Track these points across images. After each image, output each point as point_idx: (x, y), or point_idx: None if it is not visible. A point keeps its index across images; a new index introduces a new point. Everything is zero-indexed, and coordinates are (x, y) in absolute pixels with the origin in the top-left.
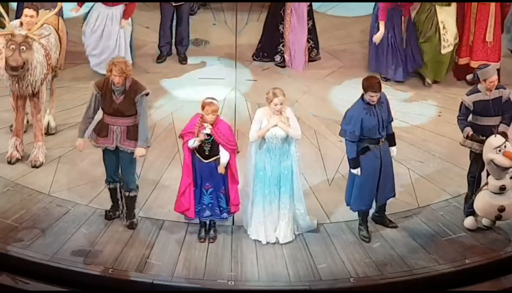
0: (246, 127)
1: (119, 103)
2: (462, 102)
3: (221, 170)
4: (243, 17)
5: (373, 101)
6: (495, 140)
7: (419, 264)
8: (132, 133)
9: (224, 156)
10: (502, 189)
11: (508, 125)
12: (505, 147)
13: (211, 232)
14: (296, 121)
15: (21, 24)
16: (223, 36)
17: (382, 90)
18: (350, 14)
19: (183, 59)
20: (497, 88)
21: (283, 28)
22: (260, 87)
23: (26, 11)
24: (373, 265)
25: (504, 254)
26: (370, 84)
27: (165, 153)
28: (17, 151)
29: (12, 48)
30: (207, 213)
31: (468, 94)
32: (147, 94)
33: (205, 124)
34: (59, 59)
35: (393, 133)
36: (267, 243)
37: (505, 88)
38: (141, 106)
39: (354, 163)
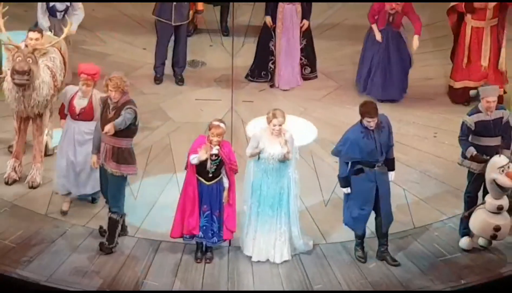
0: (243, 149)
1: (109, 119)
2: (463, 122)
3: (225, 195)
4: (240, 39)
5: (370, 126)
6: (499, 160)
7: (415, 285)
8: (116, 155)
9: (225, 182)
10: (500, 209)
11: (508, 148)
12: (508, 167)
13: (208, 252)
14: (293, 146)
15: (26, 46)
16: (220, 58)
17: (380, 112)
18: (346, 35)
19: (179, 81)
20: (498, 109)
21: (273, 46)
22: (257, 108)
23: (31, 34)
24: (369, 285)
25: (500, 275)
26: (366, 110)
27: (162, 174)
28: (15, 172)
29: (19, 59)
30: (200, 234)
31: (469, 114)
32: (134, 112)
33: (212, 145)
34: (63, 80)
35: (393, 159)
36: (261, 261)
37: (505, 109)
38: (123, 114)
39: (344, 181)
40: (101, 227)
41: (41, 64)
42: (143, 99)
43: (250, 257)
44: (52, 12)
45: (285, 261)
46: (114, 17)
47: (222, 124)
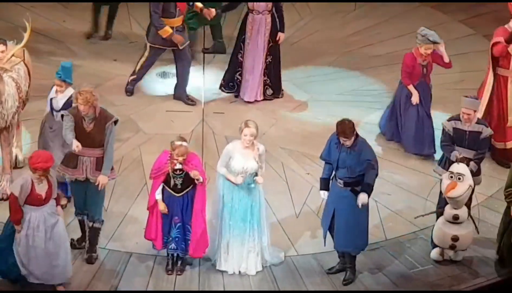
0: (214, 160)
1: (89, 131)
2: (443, 128)
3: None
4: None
5: (346, 145)
6: (456, 166)
7: None
8: (100, 165)
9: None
10: (455, 219)
11: (478, 164)
12: (458, 179)
13: (179, 264)
14: (264, 157)
15: None
16: (191, 69)
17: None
18: (318, 46)
19: (190, 100)
20: (479, 123)
21: (241, 57)
22: (228, 120)
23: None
24: None
25: (472, 286)
26: (342, 130)
27: (133, 186)
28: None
29: None
30: (173, 246)
31: (448, 120)
32: (115, 122)
33: (175, 161)
34: (28, 91)
35: (369, 184)
36: (234, 273)
37: (487, 126)
38: (110, 133)
39: (320, 183)
40: (72, 240)
41: (5, 76)
42: (114, 111)
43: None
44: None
45: (257, 272)
46: (84, 28)
47: (184, 143)
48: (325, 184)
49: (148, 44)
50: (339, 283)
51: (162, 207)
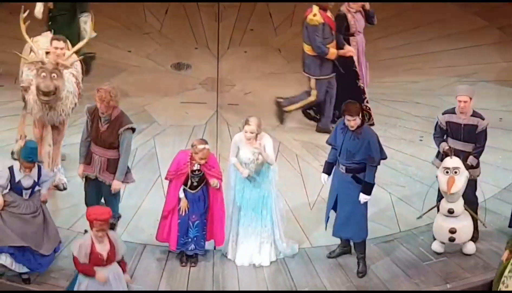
0: (228, 152)
1: (102, 132)
2: (436, 121)
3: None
4: (225, 41)
5: (351, 126)
6: (449, 161)
7: (401, 288)
8: (112, 167)
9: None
10: (450, 212)
11: (477, 158)
12: (455, 172)
13: (193, 256)
14: (271, 148)
15: (47, 53)
16: (205, 60)
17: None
18: None
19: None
20: (475, 116)
21: (362, 82)
22: (242, 111)
23: (55, 43)
24: (354, 289)
25: (485, 279)
26: (346, 108)
27: (147, 177)
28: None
29: (43, 75)
30: (192, 246)
31: (443, 113)
32: (133, 130)
33: (194, 162)
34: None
35: (368, 183)
36: (245, 265)
37: (483, 119)
38: (124, 140)
39: (324, 166)
40: (85, 231)
41: (65, 72)
42: (128, 102)
43: (234, 261)
44: (16, 189)
45: (271, 263)
46: (99, 19)
47: (207, 146)
48: (327, 168)
49: (313, 79)
50: (352, 275)
51: (185, 204)
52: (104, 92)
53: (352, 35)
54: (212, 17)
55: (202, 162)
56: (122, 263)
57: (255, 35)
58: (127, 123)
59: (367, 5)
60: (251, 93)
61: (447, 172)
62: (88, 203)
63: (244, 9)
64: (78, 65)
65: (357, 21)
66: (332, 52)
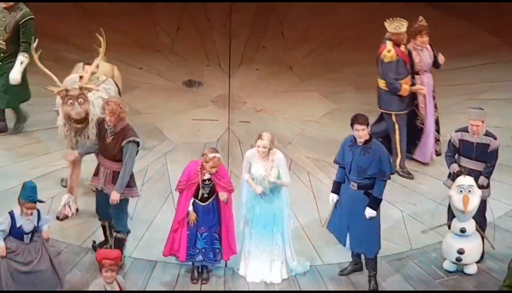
0: (239, 170)
1: (108, 143)
2: (449, 139)
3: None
4: (237, 58)
5: (359, 136)
6: (462, 179)
7: None
8: (117, 179)
9: (222, 195)
10: (463, 232)
11: (488, 178)
12: (469, 191)
13: (204, 273)
14: (285, 166)
15: (81, 77)
16: (217, 78)
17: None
18: (345, 55)
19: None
20: (487, 135)
21: (420, 123)
22: (254, 128)
23: (87, 67)
24: None
25: None
26: (355, 117)
27: (158, 194)
28: (69, 208)
29: (70, 103)
30: (200, 257)
31: (456, 131)
32: (137, 144)
33: (205, 171)
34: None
35: (376, 198)
36: (256, 282)
37: (495, 139)
38: (127, 153)
39: (332, 186)
40: (94, 242)
41: (94, 97)
42: (140, 119)
43: (246, 277)
44: (17, 235)
45: (283, 280)
46: (110, 36)
47: (218, 155)
48: (336, 187)
49: (394, 114)
50: None
51: (193, 216)
52: (114, 105)
53: (417, 73)
54: (224, 34)
55: (213, 170)
56: None
57: (267, 53)
58: (131, 136)
59: (441, 58)
60: (262, 111)
61: (461, 191)
62: (98, 212)
63: (256, 27)
64: (111, 90)
65: (422, 60)
66: (405, 88)
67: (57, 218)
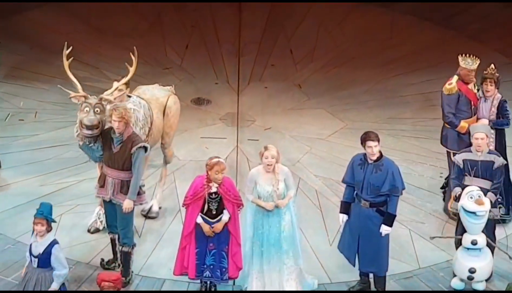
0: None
1: (115, 153)
2: (453, 162)
3: (219, 226)
4: (246, 76)
5: (371, 153)
6: (470, 187)
7: None
8: (126, 188)
9: (225, 214)
10: (474, 244)
11: (495, 193)
12: (479, 196)
13: (212, 290)
14: (292, 179)
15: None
16: (225, 95)
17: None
18: (353, 73)
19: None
20: (491, 153)
21: None
22: (262, 147)
23: (115, 84)
24: None
25: None
26: (366, 135)
27: (167, 212)
28: (100, 221)
29: (86, 110)
30: (207, 273)
31: (459, 153)
32: (145, 149)
33: (211, 184)
34: (152, 137)
35: (391, 215)
36: None
37: (499, 156)
38: (137, 159)
39: (341, 206)
40: (102, 260)
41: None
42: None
43: None
44: (30, 256)
45: None
46: (119, 53)
47: (220, 159)
48: (345, 208)
49: (452, 153)
50: None
51: (206, 228)
52: (123, 110)
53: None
54: (233, 52)
55: (220, 177)
56: None
57: (276, 71)
58: (139, 142)
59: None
60: (271, 128)
61: (471, 197)
62: (108, 224)
63: (264, 45)
64: (139, 113)
65: (483, 108)
66: (462, 126)
67: (88, 231)
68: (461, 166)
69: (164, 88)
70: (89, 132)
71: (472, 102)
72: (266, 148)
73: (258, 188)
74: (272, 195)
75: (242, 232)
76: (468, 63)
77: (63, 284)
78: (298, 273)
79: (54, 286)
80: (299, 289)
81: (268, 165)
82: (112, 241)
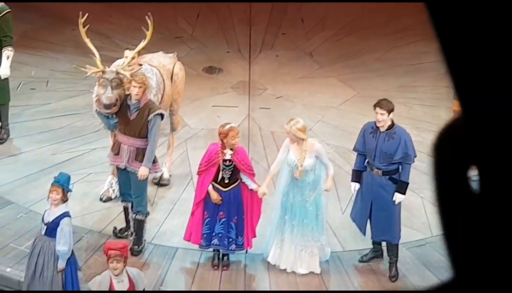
0: (260, 156)
1: (132, 120)
2: None
3: (261, 192)
4: (257, 45)
5: (378, 120)
6: None
7: None
8: (141, 155)
9: (251, 183)
10: None
11: None
12: None
13: (225, 259)
14: (324, 157)
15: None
16: (237, 64)
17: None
18: (364, 41)
19: None
20: None
21: None
22: (274, 115)
23: (126, 52)
24: None
25: None
26: (378, 102)
27: (179, 180)
28: (112, 190)
29: (103, 85)
30: (215, 241)
31: None
32: (162, 117)
33: (225, 151)
34: (164, 103)
35: (404, 182)
36: (286, 270)
37: None
38: (154, 126)
39: (352, 175)
40: (115, 228)
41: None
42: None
43: (267, 264)
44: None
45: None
46: (130, 22)
47: (233, 125)
48: (356, 176)
49: None
50: (385, 280)
51: (215, 196)
52: (143, 76)
53: None
54: (244, 21)
55: (236, 141)
56: None
57: (287, 39)
58: (156, 109)
59: None
60: (282, 97)
61: None
62: (121, 192)
63: (275, 14)
64: (152, 79)
65: None
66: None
67: (100, 199)
68: None
69: (168, 55)
70: (108, 111)
71: None
72: (289, 121)
73: (289, 155)
74: (296, 167)
75: (273, 199)
76: None
77: (73, 260)
78: (318, 248)
79: (61, 263)
80: (312, 264)
81: (290, 138)
82: (125, 210)
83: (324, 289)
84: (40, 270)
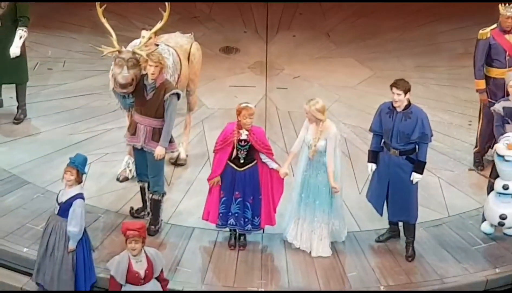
0: (277, 136)
1: (148, 100)
2: (495, 110)
3: (283, 172)
4: (274, 25)
5: (395, 100)
6: (509, 134)
7: (449, 273)
8: (158, 135)
9: (272, 163)
10: (505, 189)
11: None
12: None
13: (241, 239)
14: (331, 146)
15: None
16: (254, 44)
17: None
18: (381, 22)
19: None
20: None
21: None
22: (291, 95)
23: (143, 32)
24: (403, 273)
25: None
26: (394, 82)
27: (196, 160)
28: (129, 170)
29: (120, 65)
30: (232, 221)
31: (497, 102)
32: (178, 96)
33: (241, 131)
34: (181, 84)
35: (421, 162)
36: (301, 248)
37: None
38: (170, 106)
39: (369, 156)
40: (131, 208)
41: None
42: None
43: (284, 244)
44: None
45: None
46: (147, 3)
47: (250, 105)
48: (373, 157)
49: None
50: (401, 259)
51: (216, 179)
52: (160, 55)
53: None
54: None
55: (248, 121)
56: (162, 281)
57: (304, 19)
58: (172, 89)
59: None
60: (299, 77)
61: (507, 142)
62: (138, 172)
63: None
64: (168, 60)
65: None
66: (478, 82)
67: (117, 179)
68: (502, 113)
69: (185, 35)
70: (124, 90)
71: (507, 53)
72: (307, 102)
73: (307, 135)
74: (310, 146)
75: (295, 178)
76: (505, 10)
77: (86, 240)
78: (328, 233)
79: (71, 244)
80: (321, 247)
81: (309, 118)
82: (142, 190)
83: (340, 268)
84: (52, 249)
